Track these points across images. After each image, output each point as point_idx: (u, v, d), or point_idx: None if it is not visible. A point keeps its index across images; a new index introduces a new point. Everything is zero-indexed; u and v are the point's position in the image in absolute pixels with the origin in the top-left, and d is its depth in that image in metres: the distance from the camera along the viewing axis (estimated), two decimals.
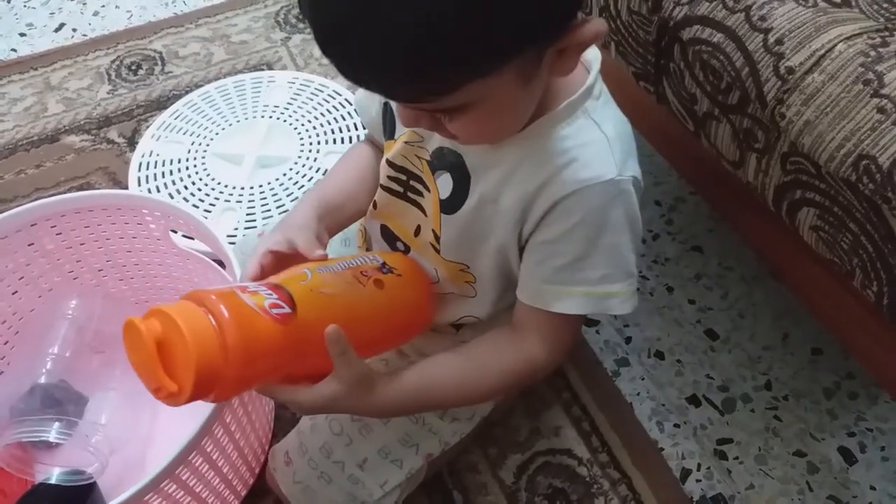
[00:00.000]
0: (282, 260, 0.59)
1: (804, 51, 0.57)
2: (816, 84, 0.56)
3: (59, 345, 0.82)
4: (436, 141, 0.61)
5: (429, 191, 0.63)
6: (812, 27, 0.57)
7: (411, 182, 0.64)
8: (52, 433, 0.75)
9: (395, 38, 0.42)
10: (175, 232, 0.84)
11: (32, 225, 0.81)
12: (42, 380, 0.80)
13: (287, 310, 0.50)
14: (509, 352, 0.61)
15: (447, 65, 0.44)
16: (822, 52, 0.56)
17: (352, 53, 0.44)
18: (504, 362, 0.61)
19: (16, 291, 0.84)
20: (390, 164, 0.65)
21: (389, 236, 0.68)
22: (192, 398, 0.45)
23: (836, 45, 0.55)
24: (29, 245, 0.82)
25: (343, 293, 0.57)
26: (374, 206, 0.68)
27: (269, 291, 0.51)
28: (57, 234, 0.83)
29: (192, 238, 0.85)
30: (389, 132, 0.67)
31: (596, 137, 0.56)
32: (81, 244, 0.85)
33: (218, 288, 0.49)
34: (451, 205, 0.61)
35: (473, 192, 0.59)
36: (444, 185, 0.61)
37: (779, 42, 0.58)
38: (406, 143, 0.63)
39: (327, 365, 0.54)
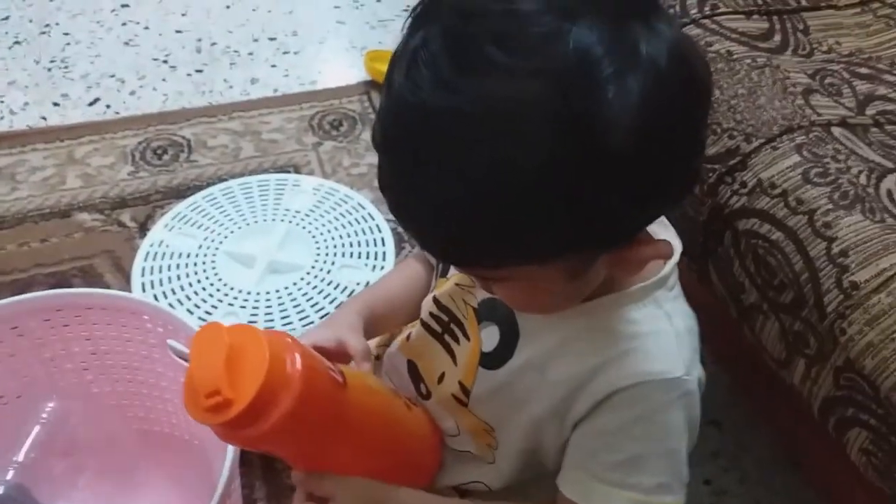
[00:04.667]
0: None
1: (871, 268, 0.54)
2: (883, 306, 0.53)
3: (26, 451, 0.76)
4: None
5: (468, 340, 0.59)
6: (880, 244, 0.55)
7: (452, 325, 0.61)
8: None
9: (435, 216, 0.43)
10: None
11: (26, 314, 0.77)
12: (0, 489, 0.73)
13: (341, 381, 0.52)
14: None
15: (479, 253, 0.44)
16: (891, 272, 0.53)
17: (397, 208, 0.45)
18: None
19: None
20: (436, 301, 0.62)
21: (416, 375, 0.64)
22: (242, 414, 0.45)
23: None
24: (19, 336, 0.78)
25: (383, 393, 0.60)
26: (408, 338, 0.65)
27: (328, 361, 0.53)
28: (51, 328, 0.79)
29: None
30: (443, 270, 0.64)
31: (665, 328, 0.53)
32: (72, 340, 0.81)
33: None
34: (492, 360, 0.57)
35: (520, 353, 0.56)
36: (489, 337, 0.58)
37: (843, 254, 0.55)
38: (457, 284, 0.60)
39: (346, 457, 0.55)
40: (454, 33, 0.40)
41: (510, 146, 0.39)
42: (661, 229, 0.55)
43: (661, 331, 0.52)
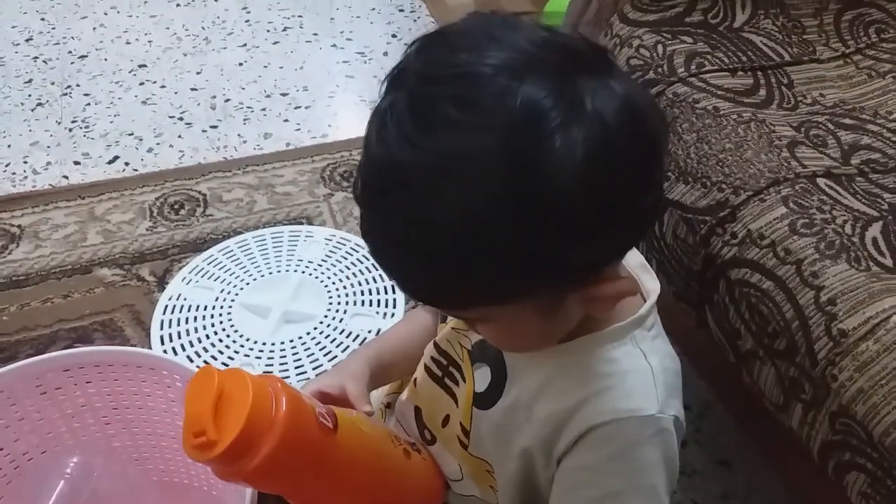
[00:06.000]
0: (328, 402, 0.60)
1: (858, 316, 0.56)
2: (871, 353, 0.54)
3: None
4: None
5: (464, 381, 0.62)
6: (866, 293, 0.57)
7: (450, 368, 0.63)
8: None
9: (404, 262, 0.46)
10: None
11: (49, 372, 0.80)
12: None
13: (330, 425, 0.54)
14: None
15: (445, 295, 0.48)
16: (877, 320, 0.55)
17: (374, 254, 0.48)
18: None
19: (17, 439, 0.81)
20: (436, 346, 0.65)
21: (420, 421, 0.66)
22: (224, 454, 0.47)
23: (891, 315, 0.55)
24: (42, 394, 0.80)
25: (378, 440, 0.61)
26: (415, 383, 0.67)
27: (322, 405, 0.55)
28: (73, 385, 0.81)
29: None
30: (443, 316, 0.67)
31: (640, 367, 0.54)
32: (94, 395, 0.83)
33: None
34: (485, 400, 0.59)
35: (508, 393, 0.58)
36: (481, 378, 0.60)
37: (831, 302, 0.57)
38: (453, 328, 0.63)
39: (338, 500, 0.56)
40: (417, 96, 0.45)
41: (463, 194, 0.43)
42: (641, 271, 0.57)
43: (636, 369, 0.54)
